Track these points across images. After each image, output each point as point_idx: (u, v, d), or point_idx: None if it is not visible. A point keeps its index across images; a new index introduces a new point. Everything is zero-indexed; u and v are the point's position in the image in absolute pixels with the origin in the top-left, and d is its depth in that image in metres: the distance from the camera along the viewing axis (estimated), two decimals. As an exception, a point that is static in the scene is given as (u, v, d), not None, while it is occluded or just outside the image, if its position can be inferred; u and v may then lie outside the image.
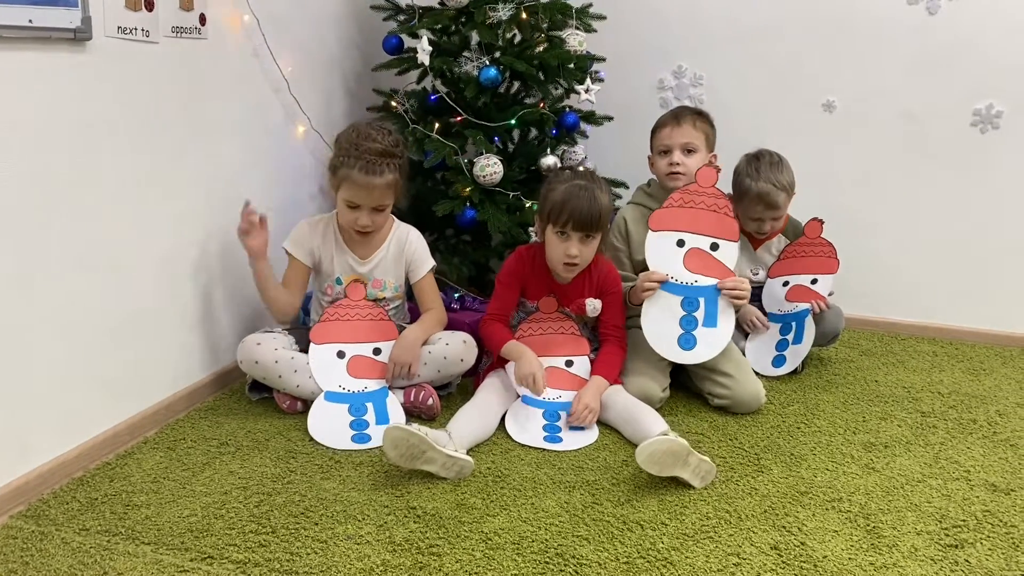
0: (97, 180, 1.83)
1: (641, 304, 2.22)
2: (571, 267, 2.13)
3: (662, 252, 2.20)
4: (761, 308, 2.52)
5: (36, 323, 1.72)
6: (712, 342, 2.18)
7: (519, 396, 2.14)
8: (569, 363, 2.20)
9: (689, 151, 2.33)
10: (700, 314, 2.18)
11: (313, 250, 2.23)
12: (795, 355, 2.48)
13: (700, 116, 2.37)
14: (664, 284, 2.18)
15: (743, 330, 2.51)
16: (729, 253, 2.20)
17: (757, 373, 2.34)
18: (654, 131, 2.42)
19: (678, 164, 2.32)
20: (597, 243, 2.14)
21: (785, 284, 2.48)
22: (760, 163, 2.44)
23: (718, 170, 2.20)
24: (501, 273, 2.26)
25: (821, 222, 2.45)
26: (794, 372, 2.49)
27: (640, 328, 2.21)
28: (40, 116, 1.68)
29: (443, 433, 1.86)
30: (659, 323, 2.19)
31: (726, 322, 2.19)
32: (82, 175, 1.79)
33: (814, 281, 2.47)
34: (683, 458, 1.76)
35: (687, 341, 2.18)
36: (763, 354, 2.48)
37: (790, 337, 2.48)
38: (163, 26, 1.96)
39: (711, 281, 2.19)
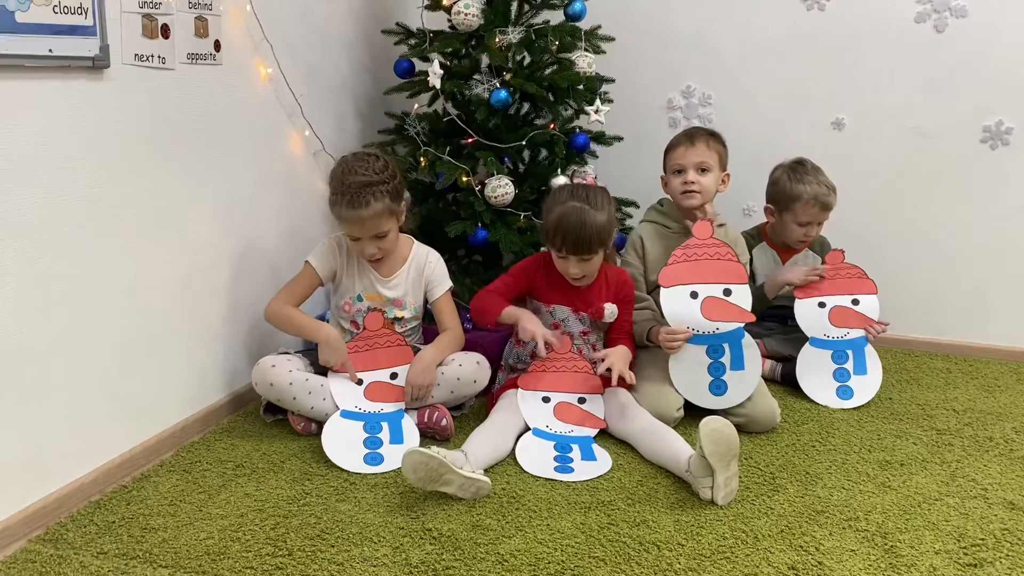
0: (114, 204, 1.85)
1: (653, 344, 2.26)
2: (577, 282, 2.20)
3: (678, 306, 2.20)
4: (781, 325, 2.58)
5: (52, 345, 1.73)
6: (742, 384, 2.20)
7: (529, 427, 2.12)
8: (582, 400, 2.18)
9: (703, 170, 2.33)
10: (727, 359, 2.20)
11: (336, 268, 2.24)
12: (863, 387, 2.40)
13: (713, 136, 2.37)
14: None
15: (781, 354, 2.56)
16: (743, 296, 2.22)
17: (824, 406, 2.38)
18: (668, 151, 2.41)
19: (693, 183, 2.31)
20: (599, 258, 2.18)
21: (822, 305, 2.45)
22: (805, 168, 2.51)
23: (711, 221, 2.26)
24: (516, 266, 2.31)
25: (842, 252, 2.47)
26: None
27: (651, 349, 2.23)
28: (60, 143, 1.70)
29: (460, 454, 1.85)
30: (688, 374, 2.21)
31: (753, 363, 2.21)
32: (100, 200, 1.81)
33: (855, 302, 2.45)
34: (734, 454, 1.78)
35: (718, 387, 2.21)
36: (824, 387, 2.41)
37: (848, 367, 2.42)
38: (179, 53, 1.99)
39: (732, 326, 2.19)
